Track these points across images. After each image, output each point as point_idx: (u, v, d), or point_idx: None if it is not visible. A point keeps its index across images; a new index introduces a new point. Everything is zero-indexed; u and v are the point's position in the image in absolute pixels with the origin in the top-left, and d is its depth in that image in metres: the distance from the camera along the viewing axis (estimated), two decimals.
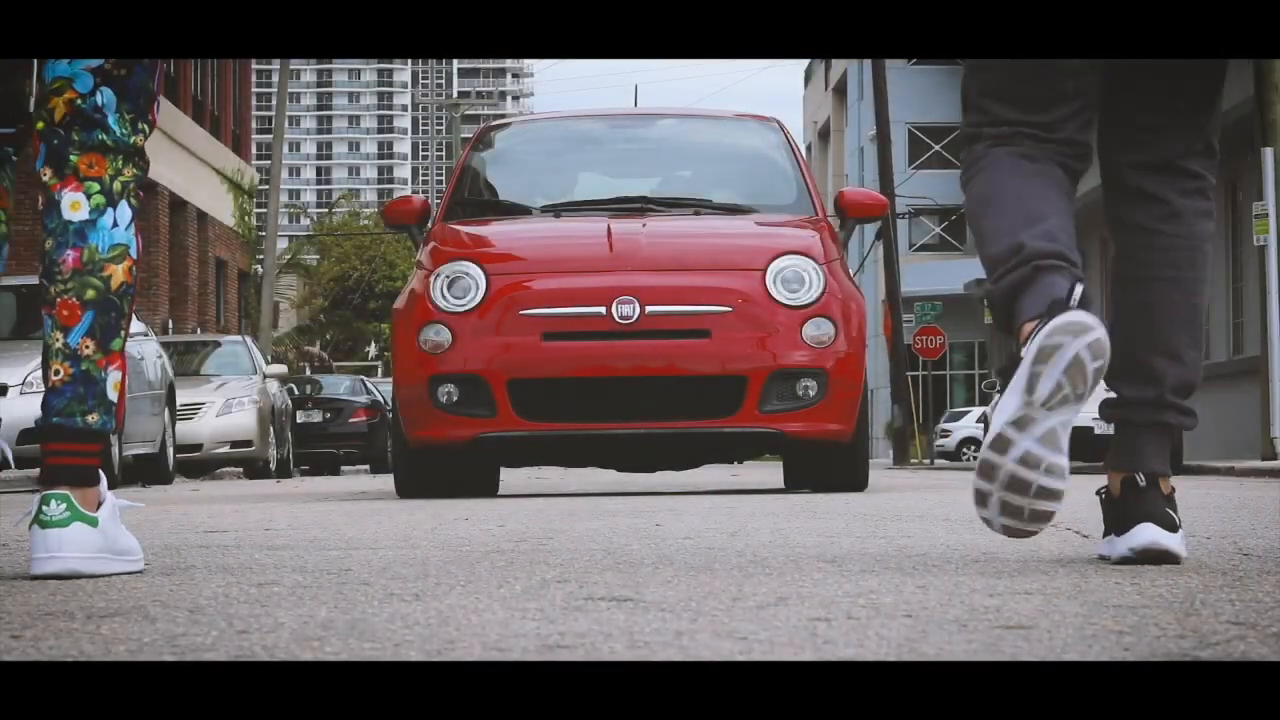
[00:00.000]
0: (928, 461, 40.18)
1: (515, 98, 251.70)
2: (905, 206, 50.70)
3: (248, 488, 15.61)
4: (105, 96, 3.66)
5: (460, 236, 10.55)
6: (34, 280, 19.41)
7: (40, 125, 3.66)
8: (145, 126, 3.72)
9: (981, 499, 3.36)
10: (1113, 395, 3.69)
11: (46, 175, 3.63)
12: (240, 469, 24.88)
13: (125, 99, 3.68)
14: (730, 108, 39.50)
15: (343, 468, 33.66)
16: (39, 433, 3.59)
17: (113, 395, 3.60)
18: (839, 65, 69.39)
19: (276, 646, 2.33)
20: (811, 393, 9.95)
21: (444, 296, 10.04)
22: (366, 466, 33.64)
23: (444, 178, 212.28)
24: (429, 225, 10.92)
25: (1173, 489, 3.63)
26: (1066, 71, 3.65)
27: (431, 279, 10.10)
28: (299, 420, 30.82)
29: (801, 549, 4.32)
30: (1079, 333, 3.27)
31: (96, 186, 3.63)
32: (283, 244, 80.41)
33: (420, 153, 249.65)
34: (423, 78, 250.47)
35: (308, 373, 57.92)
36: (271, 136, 43.81)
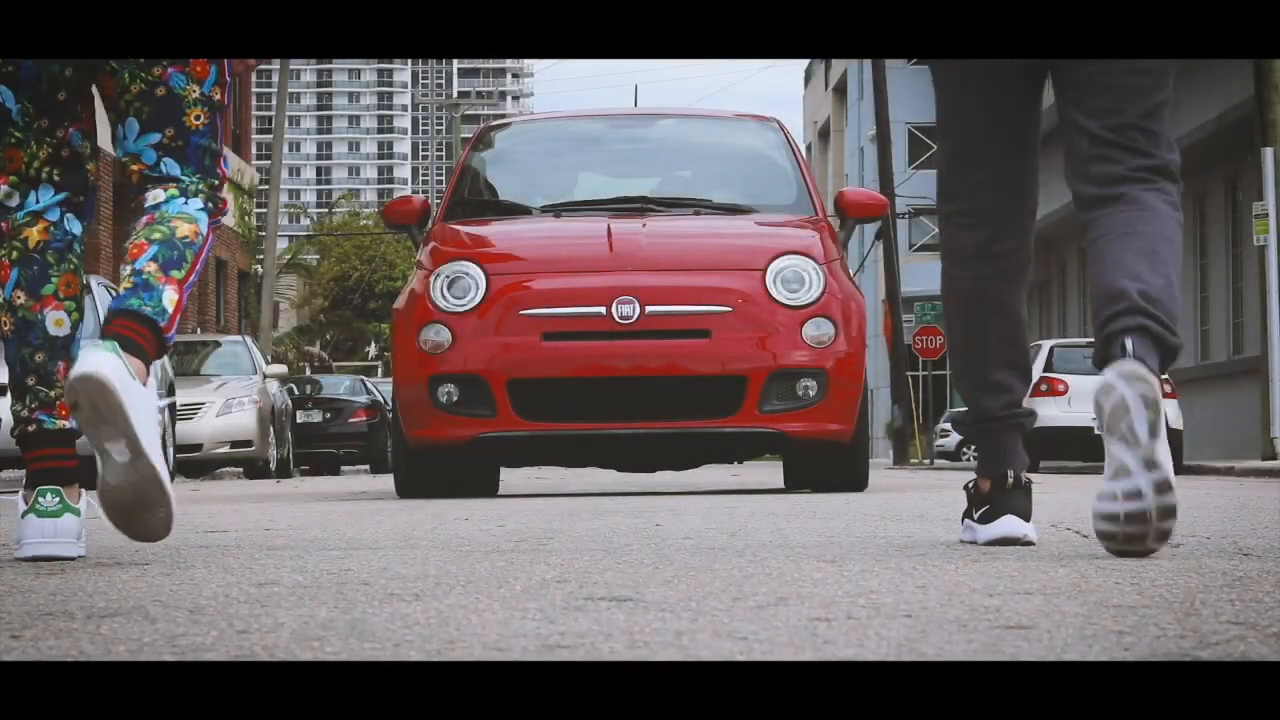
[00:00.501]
0: (928, 461, 40.18)
1: (515, 98, 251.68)
2: (905, 206, 50.70)
3: (248, 488, 15.61)
4: (169, 166, 4.14)
5: (460, 236, 10.55)
6: None
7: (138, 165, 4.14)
8: (214, 180, 4.18)
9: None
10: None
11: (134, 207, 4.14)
12: (240, 469, 24.88)
13: (187, 164, 4.14)
14: (730, 108, 39.52)
15: (343, 468, 33.66)
16: (106, 319, 3.92)
17: (168, 305, 3.94)
18: (839, 65, 69.39)
19: (276, 646, 2.33)
20: (811, 393, 9.95)
21: (444, 296, 10.04)
22: (366, 466, 33.65)
23: (444, 178, 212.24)
24: (429, 225, 10.92)
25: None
26: (978, 165, 4.25)
27: (431, 279, 10.10)
28: (299, 420, 30.82)
29: (801, 549, 4.31)
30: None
31: (175, 188, 4.11)
32: (283, 244, 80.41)
33: (420, 153, 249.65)
34: (423, 78, 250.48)
35: (308, 373, 57.95)
36: (271, 136, 43.81)
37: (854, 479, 10.38)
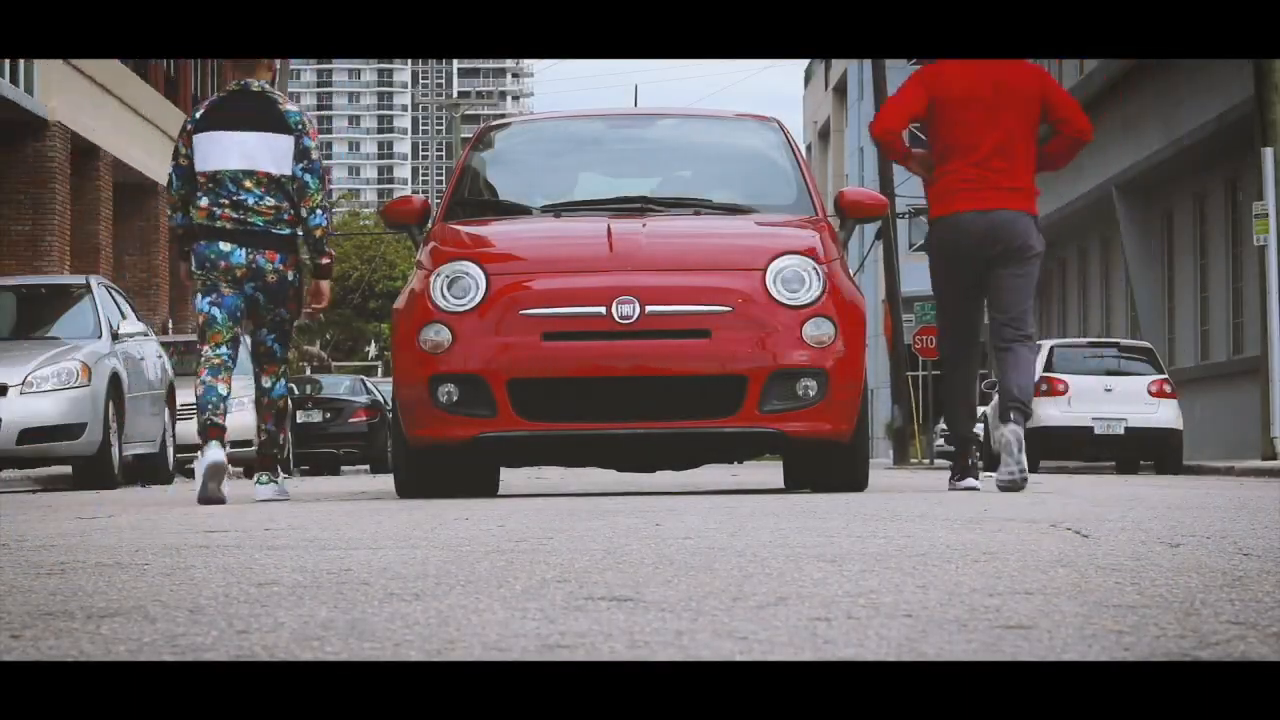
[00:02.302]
0: (928, 461, 40.19)
1: (515, 98, 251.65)
2: (905, 206, 50.67)
3: (248, 488, 15.59)
4: (278, 347, 9.63)
5: (460, 236, 10.55)
6: (34, 280, 19.52)
7: (252, 353, 9.43)
8: (289, 345, 9.49)
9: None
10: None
11: (254, 368, 9.65)
12: (240, 469, 24.90)
13: (283, 343, 9.62)
14: (730, 108, 39.50)
15: (343, 468, 33.66)
16: (255, 455, 8.39)
17: (282, 441, 8.85)
18: (839, 65, 69.38)
19: (276, 646, 2.33)
20: (811, 393, 9.95)
21: (444, 296, 10.03)
22: (366, 466, 33.65)
23: (444, 178, 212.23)
24: (429, 225, 10.92)
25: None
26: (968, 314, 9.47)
27: (431, 279, 10.10)
28: (299, 420, 30.83)
29: (801, 549, 4.31)
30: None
31: (273, 378, 9.72)
32: None
33: (420, 153, 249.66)
34: (423, 78, 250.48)
35: (308, 373, 57.93)
36: None
37: (854, 479, 10.38)
